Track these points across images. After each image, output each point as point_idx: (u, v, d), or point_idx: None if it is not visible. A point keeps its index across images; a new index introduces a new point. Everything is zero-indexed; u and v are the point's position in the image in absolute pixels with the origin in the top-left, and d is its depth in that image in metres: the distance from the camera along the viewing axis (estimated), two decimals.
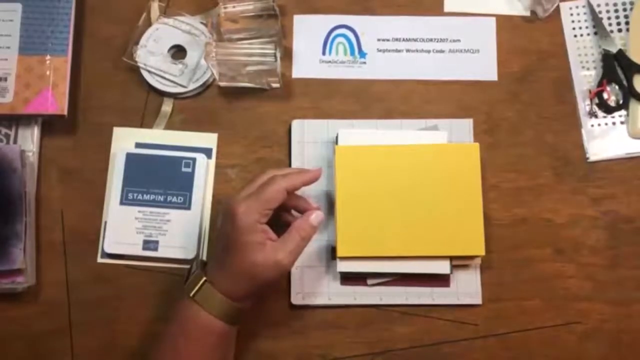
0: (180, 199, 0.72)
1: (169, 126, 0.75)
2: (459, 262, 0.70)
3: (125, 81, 0.76)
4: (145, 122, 0.75)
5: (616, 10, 0.77)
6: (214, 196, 0.74)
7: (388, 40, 0.77)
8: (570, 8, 0.78)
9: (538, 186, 0.73)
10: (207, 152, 0.74)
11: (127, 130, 0.75)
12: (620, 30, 0.77)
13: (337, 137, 0.71)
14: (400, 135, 0.71)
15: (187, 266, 0.68)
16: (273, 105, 0.76)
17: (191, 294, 0.61)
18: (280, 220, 0.65)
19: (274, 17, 0.73)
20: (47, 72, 0.73)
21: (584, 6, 0.78)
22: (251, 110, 0.76)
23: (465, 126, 0.74)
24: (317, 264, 0.71)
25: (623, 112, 0.75)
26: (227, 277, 0.61)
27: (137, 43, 0.76)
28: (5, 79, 0.72)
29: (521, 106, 0.75)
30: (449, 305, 0.71)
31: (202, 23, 0.77)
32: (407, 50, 0.77)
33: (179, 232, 0.72)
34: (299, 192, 0.66)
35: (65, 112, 0.73)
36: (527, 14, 0.78)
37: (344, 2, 0.78)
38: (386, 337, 0.71)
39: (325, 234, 0.71)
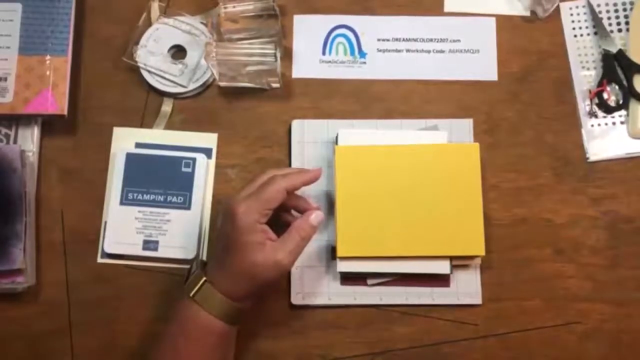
0: (180, 199, 0.72)
1: (169, 126, 0.75)
2: (459, 262, 0.70)
3: (125, 81, 0.76)
4: (145, 122, 0.75)
5: (616, 10, 0.77)
6: (214, 196, 0.74)
7: (388, 40, 0.77)
8: (570, 8, 0.78)
9: (538, 186, 0.73)
10: (207, 152, 0.74)
11: (127, 130, 0.75)
12: (620, 30, 0.77)
13: (337, 137, 0.71)
14: (400, 135, 0.71)
15: (187, 266, 0.68)
16: (273, 105, 0.76)
17: (191, 294, 0.61)
18: (280, 220, 0.65)
19: (274, 17, 0.73)
20: (47, 72, 0.73)
21: (584, 6, 0.78)
22: (251, 110, 0.76)
23: (465, 126, 0.74)
24: (317, 264, 0.71)
25: (623, 112, 0.75)
26: (227, 277, 0.61)
27: (137, 43, 0.76)
28: (5, 79, 0.72)
29: (521, 106, 0.75)
30: (449, 305, 0.71)
31: (202, 23, 0.77)
32: (407, 50, 0.77)
33: (179, 232, 0.72)
34: (298, 192, 0.66)
35: (65, 112, 0.73)
36: (527, 14, 0.78)
37: (344, 2, 0.78)
38: (386, 337, 0.71)
39: (325, 234, 0.71)
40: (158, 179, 0.72)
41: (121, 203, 0.72)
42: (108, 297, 0.71)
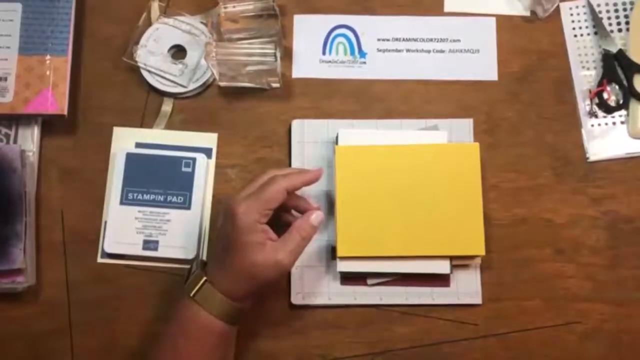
0: (180, 199, 0.72)
1: (169, 126, 0.75)
2: (459, 262, 0.70)
3: (125, 81, 0.76)
4: (145, 122, 0.75)
5: (616, 10, 0.77)
6: (214, 196, 0.74)
7: (388, 40, 0.77)
8: (570, 8, 0.78)
9: (538, 186, 0.73)
10: (207, 152, 0.74)
11: (127, 130, 0.75)
12: (620, 30, 0.77)
13: (337, 137, 0.71)
14: (400, 135, 0.71)
15: (187, 266, 0.68)
16: (273, 105, 0.76)
17: (191, 294, 0.61)
18: (280, 220, 0.65)
19: (274, 17, 0.73)
20: (47, 72, 0.73)
21: (584, 6, 0.78)
22: (251, 110, 0.76)
23: (465, 126, 0.74)
24: (317, 264, 0.71)
25: (623, 112, 0.75)
26: (227, 277, 0.61)
27: (137, 43, 0.76)
28: (5, 79, 0.72)
29: (521, 106, 0.75)
30: (449, 305, 0.71)
31: (202, 23, 0.77)
32: (407, 50, 0.77)
33: (179, 232, 0.72)
34: (299, 192, 0.66)
35: (65, 112, 0.73)
36: (527, 14, 0.78)
37: (344, 2, 0.78)
38: (386, 337, 0.71)
39: (325, 233, 0.71)
40: (158, 179, 0.72)
41: (121, 203, 0.72)
42: (108, 297, 0.71)
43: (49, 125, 0.75)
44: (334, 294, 0.71)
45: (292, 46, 0.77)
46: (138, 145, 0.74)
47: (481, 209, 0.68)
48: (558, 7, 0.77)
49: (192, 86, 0.75)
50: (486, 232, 0.68)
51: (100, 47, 0.77)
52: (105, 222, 0.72)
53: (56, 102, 0.72)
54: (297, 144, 0.74)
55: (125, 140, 0.75)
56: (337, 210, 0.68)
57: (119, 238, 0.72)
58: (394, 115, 0.75)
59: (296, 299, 0.70)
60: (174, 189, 0.72)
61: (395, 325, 0.71)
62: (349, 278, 0.70)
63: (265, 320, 0.71)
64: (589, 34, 0.77)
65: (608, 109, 0.75)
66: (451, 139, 0.72)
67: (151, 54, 0.75)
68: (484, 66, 0.76)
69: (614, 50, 0.75)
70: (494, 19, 0.78)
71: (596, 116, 0.75)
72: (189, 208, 0.72)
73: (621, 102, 0.75)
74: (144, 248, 0.71)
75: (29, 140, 0.74)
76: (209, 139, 0.75)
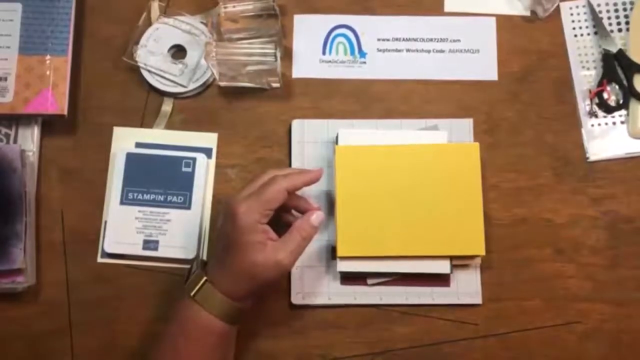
0: (181, 199, 0.72)
1: (169, 126, 0.75)
2: (459, 261, 0.70)
3: (125, 81, 0.76)
4: (145, 122, 0.75)
5: (616, 10, 0.77)
6: (214, 196, 0.74)
7: (388, 40, 0.77)
8: (570, 8, 0.78)
9: (538, 186, 0.73)
10: (207, 152, 0.74)
11: (127, 130, 0.75)
12: (620, 30, 0.77)
13: (337, 137, 0.71)
14: (400, 135, 0.71)
15: (188, 266, 0.68)
16: (273, 105, 0.76)
17: (191, 294, 0.61)
18: (281, 220, 0.65)
19: (274, 16, 0.73)
20: (47, 72, 0.73)
21: (584, 6, 0.78)
22: (251, 110, 0.76)
23: (465, 126, 0.74)
24: (317, 264, 0.71)
25: (623, 111, 0.75)
26: (228, 277, 0.61)
27: (137, 43, 0.76)
28: (5, 79, 0.72)
29: (521, 106, 0.75)
30: (449, 305, 0.71)
31: (202, 23, 0.77)
32: (407, 50, 0.77)
33: (179, 232, 0.72)
34: (299, 192, 0.66)
35: (65, 112, 0.73)
36: (527, 13, 0.78)
37: (344, 2, 0.78)
38: (386, 337, 0.71)
39: (325, 233, 0.71)
40: (158, 179, 0.72)
41: (121, 203, 0.72)
42: (108, 297, 0.71)
43: (49, 125, 0.75)
44: (334, 293, 0.71)
45: (292, 46, 0.77)
46: (138, 145, 0.74)
47: (481, 209, 0.68)
48: (558, 7, 0.77)
49: (192, 86, 0.75)
50: (486, 232, 0.68)
51: (100, 47, 0.77)
52: (105, 222, 0.72)
53: (56, 102, 0.72)
54: (297, 144, 0.74)
55: (125, 140, 0.75)
56: (337, 210, 0.68)
57: (119, 238, 0.72)
58: (394, 115, 0.75)
59: (296, 299, 0.70)
60: (174, 188, 0.72)
61: (395, 325, 0.71)
62: (349, 278, 0.70)
63: (265, 320, 0.71)
64: (589, 34, 0.77)
65: (608, 109, 0.75)
66: (451, 139, 0.72)
67: (151, 53, 0.75)
68: (484, 66, 0.76)
69: (614, 50, 0.75)
70: (494, 18, 0.78)
71: (596, 116, 0.75)
72: (189, 208, 0.72)
73: (621, 102, 0.75)
74: (144, 248, 0.71)
75: (29, 140, 0.74)
76: (209, 139, 0.75)
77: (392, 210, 0.68)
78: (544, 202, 0.73)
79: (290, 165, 0.73)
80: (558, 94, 0.76)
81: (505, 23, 0.77)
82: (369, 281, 0.70)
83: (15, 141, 0.74)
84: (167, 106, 0.75)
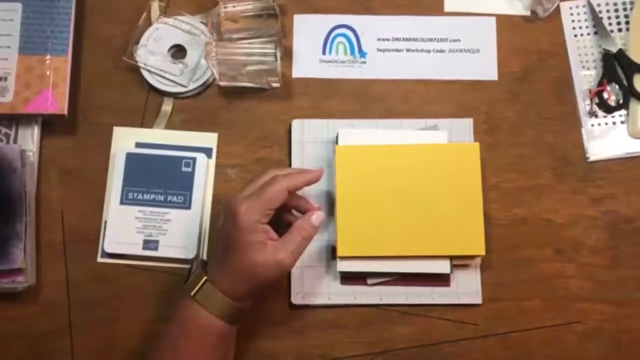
0: (181, 199, 0.72)
1: (169, 126, 0.75)
2: (459, 261, 0.70)
3: (125, 81, 0.76)
4: (145, 121, 0.75)
5: (616, 10, 0.77)
6: (214, 196, 0.74)
7: (388, 40, 0.77)
8: (571, 8, 0.78)
9: (538, 186, 0.73)
10: (207, 151, 0.74)
11: (127, 130, 0.75)
12: (620, 30, 0.77)
13: (337, 137, 0.71)
14: (400, 135, 0.71)
15: (188, 266, 0.68)
16: (273, 105, 0.76)
17: (192, 294, 0.61)
18: (281, 220, 0.65)
19: (274, 16, 0.73)
20: (47, 72, 0.73)
21: (584, 6, 0.78)
22: (251, 110, 0.76)
23: (465, 126, 0.74)
24: (317, 264, 0.71)
25: (623, 111, 0.75)
26: (228, 277, 0.61)
27: (137, 43, 0.76)
28: (5, 79, 0.72)
29: (521, 106, 0.75)
30: (449, 305, 0.71)
31: (202, 23, 0.77)
32: (407, 50, 0.77)
33: (179, 232, 0.72)
34: (299, 192, 0.66)
35: (65, 112, 0.72)
36: (527, 13, 0.78)
37: (344, 1, 0.78)
38: (386, 337, 0.71)
39: (326, 233, 0.71)
40: (158, 179, 0.72)
41: (121, 203, 0.72)
42: (108, 297, 0.71)
43: (49, 125, 0.75)
44: (334, 293, 0.71)
45: (292, 46, 0.77)
46: (138, 145, 0.74)
47: (481, 209, 0.68)
48: (558, 6, 0.77)
49: (192, 86, 0.75)
50: (486, 232, 0.68)
51: (100, 47, 0.77)
52: (105, 222, 0.72)
53: (56, 102, 0.72)
54: (297, 144, 0.74)
55: (125, 140, 0.75)
56: (337, 210, 0.68)
57: (119, 238, 0.72)
58: (394, 115, 0.75)
59: (296, 298, 0.70)
60: (174, 188, 0.72)
61: (395, 325, 0.71)
62: (349, 278, 0.70)
63: (265, 320, 0.71)
64: (589, 34, 0.77)
65: (608, 109, 0.75)
66: (451, 139, 0.72)
67: (151, 53, 0.75)
68: (484, 66, 0.76)
69: (614, 50, 0.75)
70: (494, 18, 0.78)
71: (596, 116, 0.75)
72: (189, 208, 0.72)
73: (621, 101, 0.75)
74: (144, 248, 0.71)
75: (29, 140, 0.74)
76: (209, 139, 0.75)
77: (392, 210, 0.68)
78: (544, 202, 0.73)
79: (290, 165, 0.73)
80: (558, 94, 0.76)
81: (505, 23, 0.77)
82: (369, 281, 0.70)
83: (15, 141, 0.74)
84: (167, 106, 0.75)
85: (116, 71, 0.76)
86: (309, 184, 0.64)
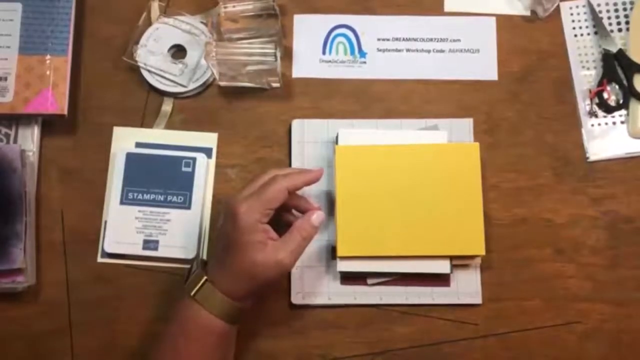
0: (181, 199, 0.72)
1: (169, 126, 0.75)
2: (459, 261, 0.70)
3: (125, 81, 0.76)
4: (145, 121, 0.75)
5: (616, 10, 0.77)
6: (214, 196, 0.74)
7: (388, 40, 0.77)
8: (571, 8, 0.78)
9: (538, 186, 0.73)
10: (207, 151, 0.74)
11: (127, 130, 0.75)
12: (620, 30, 0.77)
13: (337, 137, 0.71)
14: (400, 135, 0.71)
15: (188, 266, 0.68)
16: (273, 105, 0.76)
17: (192, 294, 0.61)
18: (281, 220, 0.65)
19: (274, 16, 0.73)
20: (47, 72, 0.73)
21: (584, 6, 0.78)
22: (251, 110, 0.76)
23: (465, 126, 0.74)
24: (317, 264, 0.71)
25: (623, 111, 0.75)
26: (228, 277, 0.61)
27: (137, 43, 0.76)
28: (5, 79, 0.72)
29: (521, 106, 0.75)
30: (449, 305, 0.71)
31: (202, 23, 0.77)
32: (407, 50, 0.77)
33: (179, 232, 0.72)
34: (299, 192, 0.66)
35: (65, 112, 0.72)
36: (527, 13, 0.78)
37: (344, 1, 0.78)
38: (386, 337, 0.71)
39: (326, 233, 0.71)
40: (158, 179, 0.72)
41: (121, 203, 0.72)
42: (108, 297, 0.71)
43: (49, 125, 0.75)
44: (334, 293, 0.71)
45: (292, 46, 0.77)
46: (138, 145, 0.74)
47: (481, 209, 0.68)
48: (558, 6, 0.77)
49: (192, 86, 0.75)
50: (486, 232, 0.68)
51: (100, 47, 0.77)
52: (105, 222, 0.72)
53: (56, 102, 0.72)
54: (297, 144, 0.74)
55: (125, 140, 0.75)
56: (337, 210, 0.68)
57: (119, 238, 0.72)
58: (394, 115, 0.75)
59: (296, 298, 0.70)
60: (174, 188, 0.72)
61: (395, 325, 0.71)
62: (349, 278, 0.70)
63: (265, 320, 0.71)
64: (589, 34, 0.77)
65: (608, 109, 0.75)
66: (451, 139, 0.72)
67: (151, 53, 0.75)
68: (484, 66, 0.76)
69: (614, 50, 0.75)
70: (494, 18, 0.78)
71: (596, 116, 0.75)
72: (189, 208, 0.72)
73: (621, 101, 0.75)
74: (144, 248, 0.71)
75: (29, 140, 0.74)
76: (209, 139, 0.75)
77: (392, 210, 0.68)
78: (544, 202, 0.73)
79: (290, 165, 0.73)
80: (558, 94, 0.76)
81: (505, 23, 0.77)
82: (369, 281, 0.70)
83: (15, 141, 0.74)
84: (167, 106, 0.75)
85: (116, 71, 0.76)
86: (309, 183, 0.64)
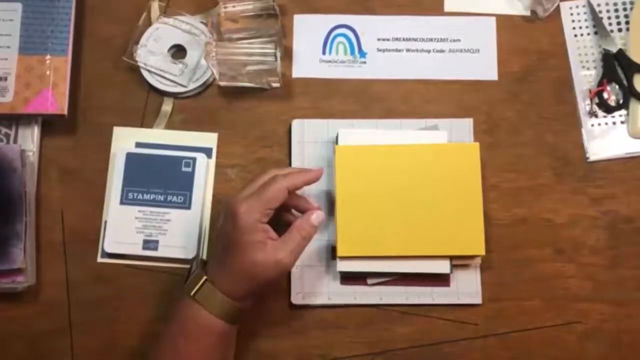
0: (181, 199, 0.72)
1: (169, 126, 0.75)
2: (459, 261, 0.70)
3: (125, 81, 0.76)
4: (145, 121, 0.75)
5: (616, 10, 0.77)
6: (214, 196, 0.74)
7: (388, 40, 0.77)
8: (571, 8, 0.78)
9: (538, 186, 0.73)
10: (207, 151, 0.74)
11: (127, 130, 0.75)
12: (620, 30, 0.77)
13: (337, 137, 0.71)
14: (400, 135, 0.71)
15: (187, 266, 0.68)
16: (273, 105, 0.76)
17: (192, 293, 0.61)
18: (281, 219, 0.65)
19: (274, 16, 0.73)
20: (47, 72, 0.73)
21: (584, 6, 0.78)
22: (251, 110, 0.76)
23: (465, 126, 0.74)
24: (317, 264, 0.71)
25: (623, 111, 0.75)
26: (228, 277, 0.61)
27: (137, 43, 0.76)
28: (5, 79, 0.72)
29: (521, 106, 0.75)
30: (449, 305, 0.71)
31: (202, 23, 0.77)
32: (407, 50, 0.77)
33: (179, 232, 0.72)
34: (299, 192, 0.66)
35: (65, 112, 0.73)
36: (527, 13, 0.78)
37: (344, 1, 0.78)
38: (386, 337, 0.71)
39: (325, 233, 0.71)
40: (158, 179, 0.72)
41: (121, 203, 0.72)
42: (108, 297, 0.71)
43: (49, 125, 0.75)
44: (334, 293, 0.71)
45: (292, 46, 0.77)
46: (138, 145, 0.74)
47: (481, 209, 0.68)
48: (558, 6, 0.77)
49: (192, 86, 0.75)
50: (486, 232, 0.68)
51: (100, 47, 0.77)
52: (105, 222, 0.72)
53: (56, 102, 0.72)
54: (297, 144, 0.74)
55: (125, 140, 0.75)
56: (337, 210, 0.68)
57: (119, 238, 0.72)
58: (394, 115, 0.75)
59: (296, 298, 0.70)
60: (174, 188, 0.72)
61: (395, 325, 0.71)
62: (349, 278, 0.70)
63: (265, 320, 0.71)
64: (589, 34, 0.77)
65: (608, 109, 0.75)
66: (451, 139, 0.72)
67: (151, 53, 0.75)
68: (484, 66, 0.76)
69: (614, 50, 0.75)
70: (494, 18, 0.78)
71: (596, 116, 0.75)
72: (189, 208, 0.72)
73: (621, 101, 0.75)
74: (144, 248, 0.71)
75: (29, 140, 0.74)
76: (209, 139, 0.75)
77: (392, 210, 0.68)
78: (544, 202, 0.73)
79: (290, 165, 0.73)
80: (558, 94, 0.76)
81: (505, 23, 0.77)
82: (369, 281, 0.70)
83: (15, 141, 0.74)
84: (167, 106, 0.75)
85: (116, 71, 0.76)
86: (308, 183, 0.64)
